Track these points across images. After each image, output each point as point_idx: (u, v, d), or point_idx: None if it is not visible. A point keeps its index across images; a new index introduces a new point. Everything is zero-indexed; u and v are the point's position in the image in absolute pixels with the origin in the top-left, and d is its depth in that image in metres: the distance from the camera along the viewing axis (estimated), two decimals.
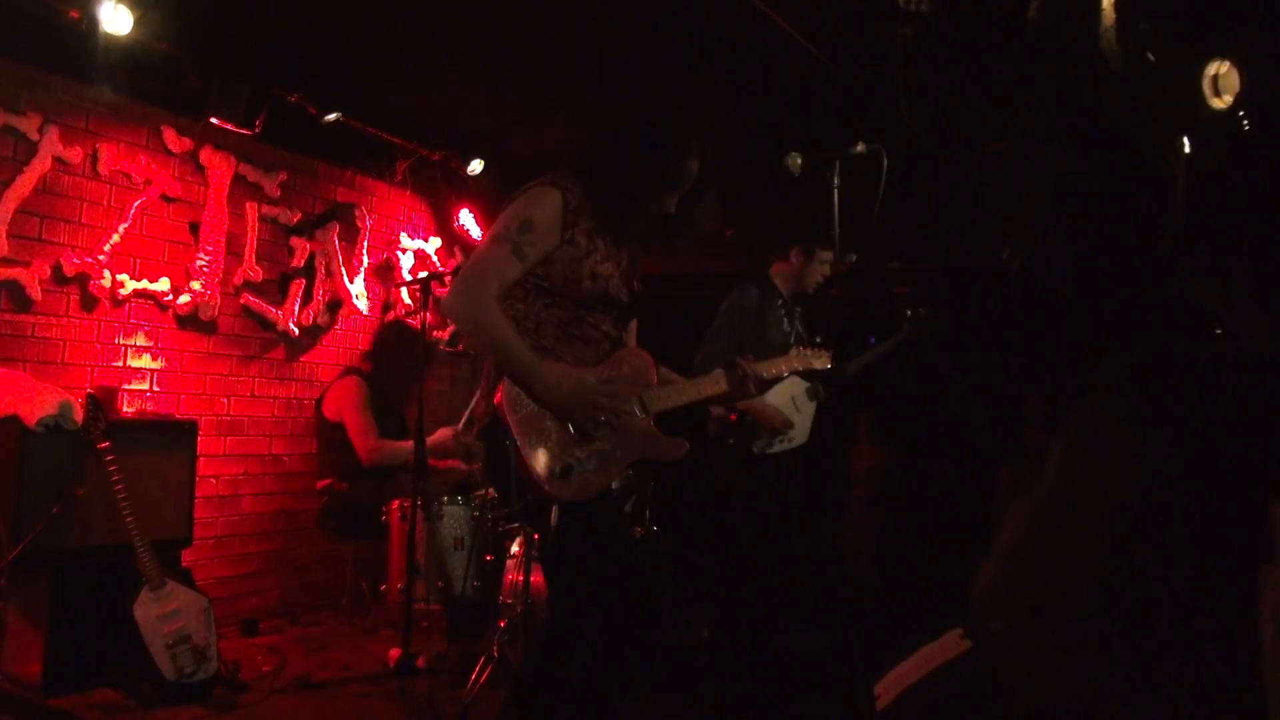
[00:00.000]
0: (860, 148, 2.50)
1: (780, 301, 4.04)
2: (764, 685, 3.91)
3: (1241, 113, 2.94)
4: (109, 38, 3.70)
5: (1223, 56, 2.79)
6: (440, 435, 4.42)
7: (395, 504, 4.10)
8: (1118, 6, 2.22)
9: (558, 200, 2.35)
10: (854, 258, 2.79)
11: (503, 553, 4.01)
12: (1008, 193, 4.23)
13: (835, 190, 2.52)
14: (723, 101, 4.65)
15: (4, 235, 3.74)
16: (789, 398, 3.94)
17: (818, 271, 3.96)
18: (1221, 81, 2.89)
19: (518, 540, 3.96)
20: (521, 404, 2.28)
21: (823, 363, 2.97)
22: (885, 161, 2.47)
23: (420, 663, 3.80)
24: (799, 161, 2.60)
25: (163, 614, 3.39)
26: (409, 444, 4.18)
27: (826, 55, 3.67)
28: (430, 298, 4.24)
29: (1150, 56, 2.57)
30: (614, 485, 2.44)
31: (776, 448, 3.91)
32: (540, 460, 2.26)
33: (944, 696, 2.91)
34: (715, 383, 2.68)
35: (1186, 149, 3.12)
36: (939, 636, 3.25)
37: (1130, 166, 3.49)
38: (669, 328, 3.98)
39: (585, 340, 2.43)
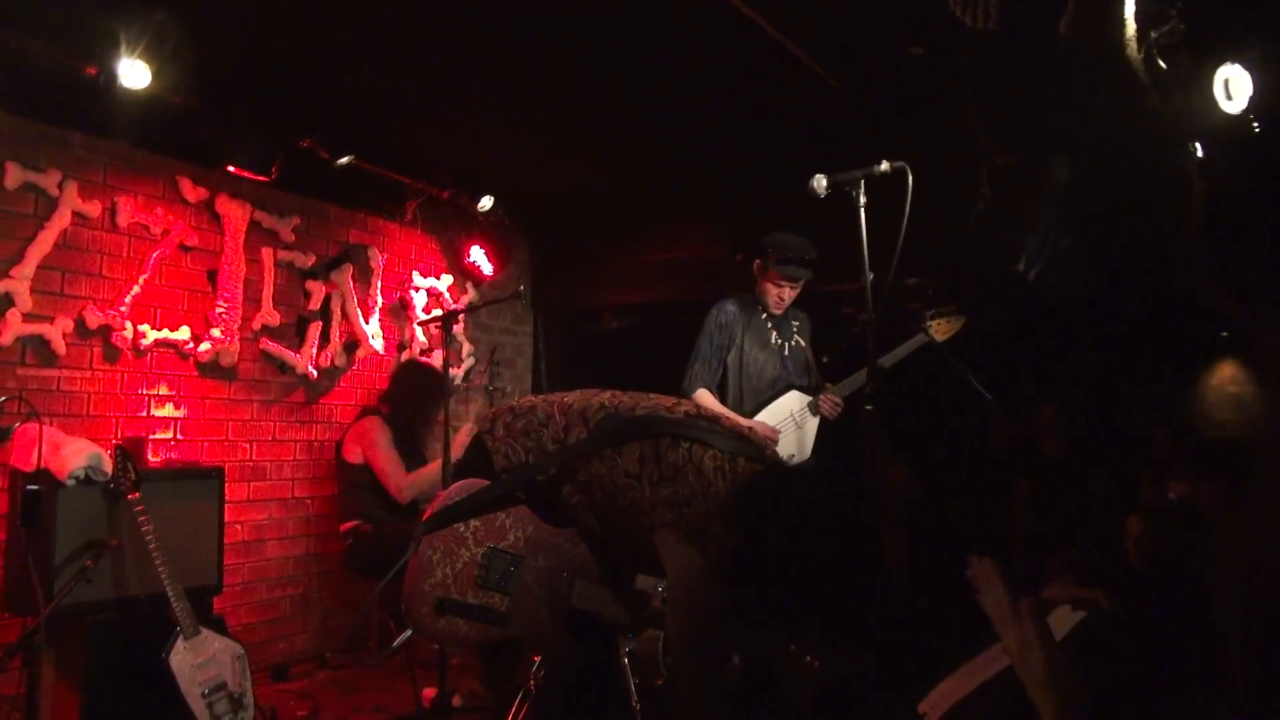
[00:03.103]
0: (885, 166, 2.52)
1: (765, 315, 3.97)
2: (798, 711, 3.87)
3: (1252, 116, 2.98)
4: (126, 92, 3.75)
5: (1233, 61, 2.83)
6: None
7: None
8: (1136, 17, 2.26)
9: None
10: (871, 275, 2.80)
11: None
12: (1019, 204, 4.26)
13: (861, 210, 2.54)
14: (739, 128, 4.70)
15: (27, 291, 3.77)
16: (789, 414, 3.89)
17: (772, 291, 3.87)
18: (1232, 86, 2.93)
19: None
20: (453, 517, 2.17)
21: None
22: (910, 180, 2.48)
23: (455, 701, 3.77)
24: (823, 184, 2.61)
25: (198, 663, 3.37)
26: (435, 465, 4.20)
27: (840, 78, 3.71)
28: (449, 335, 4.27)
29: (1162, 64, 2.61)
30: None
31: None
32: (428, 580, 2.11)
33: (994, 711, 2.88)
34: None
35: (1199, 153, 3.16)
36: (983, 651, 3.23)
37: (1144, 172, 3.52)
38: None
39: None
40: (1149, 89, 2.42)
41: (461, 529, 2.14)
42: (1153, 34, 2.44)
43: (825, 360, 4.35)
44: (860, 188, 2.54)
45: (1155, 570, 3.49)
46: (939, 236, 4.46)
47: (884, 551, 5.23)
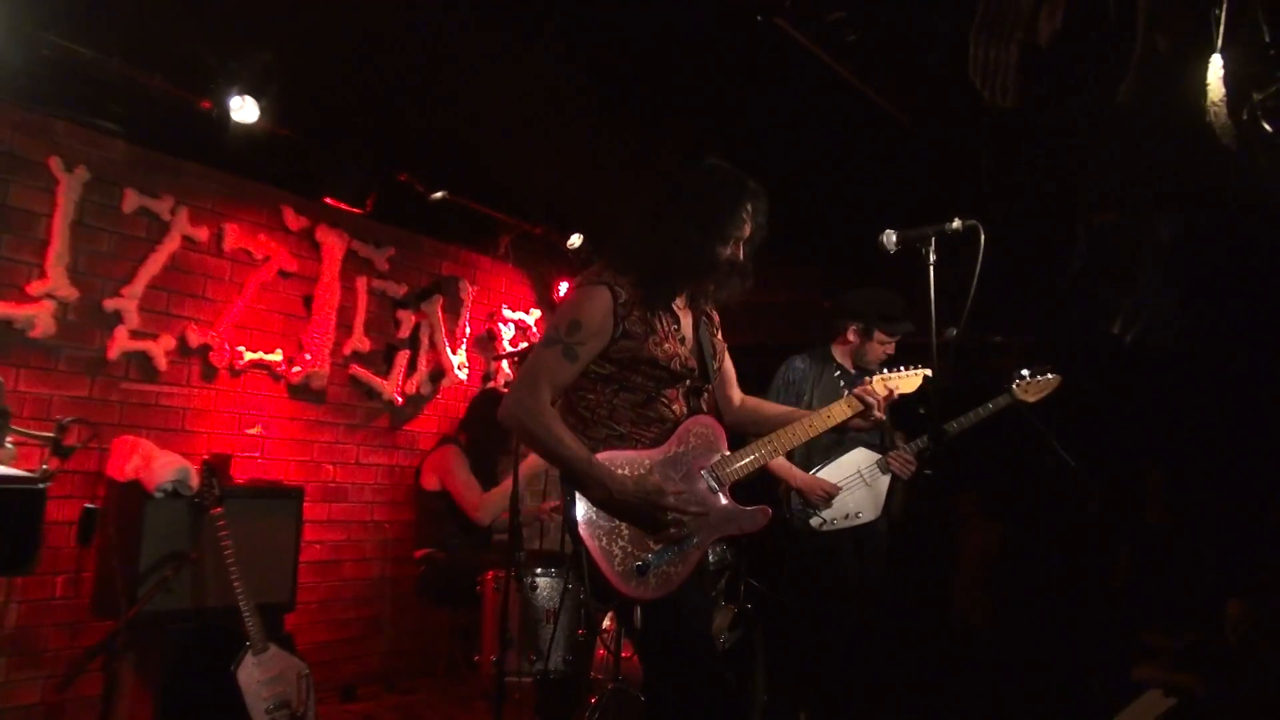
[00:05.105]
0: (956, 224, 2.45)
1: (839, 372, 3.91)
2: None
3: None
4: (236, 125, 3.96)
5: None
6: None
7: (490, 574, 4.12)
8: (1227, 81, 2.15)
9: (606, 298, 2.30)
10: (953, 333, 2.71)
11: (594, 627, 3.97)
12: (1118, 263, 4.09)
13: (930, 268, 2.48)
14: (828, 174, 4.66)
15: (135, 310, 3.99)
16: (857, 470, 3.77)
17: (877, 350, 3.84)
18: None
19: (610, 615, 3.91)
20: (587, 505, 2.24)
21: (909, 384, 2.88)
22: (983, 237, 2.41)
23: None
24: (893, 239, 2.56)
25: (264, 679, 3.47)
26: (506, 483, 4.22)
27: (921, 130, 3.65)
28: None
29: (1266, 128, 2.47)
30: (700, 567, 2.35)
31: (839, 524, 3.74)
32: (614, 562, 2.19)
33: None
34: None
35: None
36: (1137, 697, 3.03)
37: (1248, 233, 3.34)
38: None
39: (661, 420, 2.38)
40: (1253, 152, 2.29)
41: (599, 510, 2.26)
42: (1256, 96, 2.32)
43: (922, 412, 4.21)
44: (931, 244, 2.48)
45: (1252, 659, 3.25)
46: (1031, 294, 4.31)
47: (968, 612, 5.04)
